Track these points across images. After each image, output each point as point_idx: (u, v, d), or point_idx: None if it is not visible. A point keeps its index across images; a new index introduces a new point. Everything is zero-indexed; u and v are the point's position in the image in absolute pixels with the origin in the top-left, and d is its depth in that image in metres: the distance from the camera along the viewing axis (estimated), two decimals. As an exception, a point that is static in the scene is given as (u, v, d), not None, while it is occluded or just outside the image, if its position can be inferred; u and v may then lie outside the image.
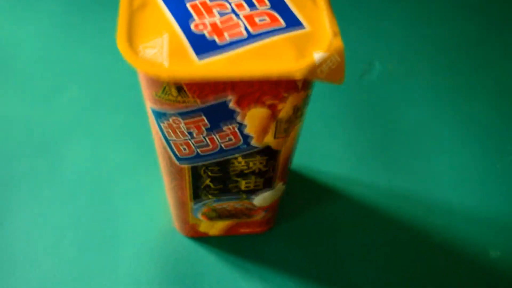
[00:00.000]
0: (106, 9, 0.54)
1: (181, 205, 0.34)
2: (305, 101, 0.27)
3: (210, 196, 0.33)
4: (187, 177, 0.31)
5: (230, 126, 0.27)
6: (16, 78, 0.46)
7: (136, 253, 0.36)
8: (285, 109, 0.26)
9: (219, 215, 0.35)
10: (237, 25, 0.25)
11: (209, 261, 0.36)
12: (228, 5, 0.26)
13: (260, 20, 0.26)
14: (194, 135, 0.27)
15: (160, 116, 0.26)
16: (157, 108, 0.26)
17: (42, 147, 0.42)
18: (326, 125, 0.45)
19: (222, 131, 0.27)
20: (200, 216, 0.35)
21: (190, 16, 0.26)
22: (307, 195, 0.40)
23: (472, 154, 0.43)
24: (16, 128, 0.43)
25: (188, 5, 0.26)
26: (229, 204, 0.34)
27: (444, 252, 0.38)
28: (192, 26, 0.25)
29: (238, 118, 0.26)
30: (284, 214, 0.39)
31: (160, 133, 0.28)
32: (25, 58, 0.48)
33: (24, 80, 0.46)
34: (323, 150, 0.43)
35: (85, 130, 0.43)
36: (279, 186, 0.33)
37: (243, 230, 0.38)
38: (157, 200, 0.39)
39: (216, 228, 0.37)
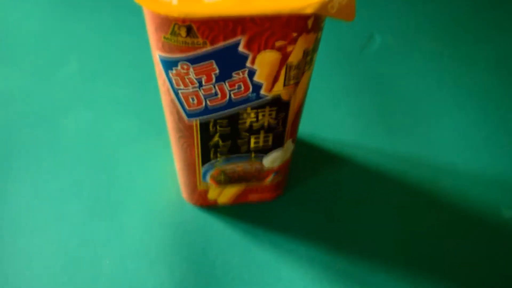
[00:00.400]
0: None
1: (190, 167, 0.33)
2: (315, 44, 0.27)
3: (219, 156, 0.32)
4: (195, 132, 0.30)
5: (240, 72, 0.26)
6: (15, 53, 0.46)
7: (143, 220, 0.36)
8: (295, 52, 0.26)
9: (229, 179, 0.34)
10: (246, -35, 0.25)
11: (218, 228, 0.36)
12: None
13: (268, -40, 0.25)
14: (203, 83, 0.27)
15: (168, 63, 0.26)
16: (166, 54, 0.26)
17: (43, 118, 0.41)
18: (329, 95, 0.44)
19: (232, 78, 0.27)
20: (209, 179, 0.34)
21: (197, -42, 0.25)
22: (314, 163, 0.40)
23: (475, 119, 0.43)
24: (16, 100, 0.42)
25: (194, -51, 0.26)
26: (238, 165, 0.33)
27: (455, 213, 0.37)
28: (200, -33, 0.25)
29: (248, 63, 0.26)
30: (292, 182, 0.39)
31: (168, 83, 0.27)
32: (24, 34, 0.47)
33: (23, 55, 0.46)
34: (327, 119, 0.42)
35: (85, 101, 0.42)
36: (288, 144, 0.33)
37: (252, 197, 0.37)
38: (163, 169, 0.39)
39: (225, 195, 0.36)
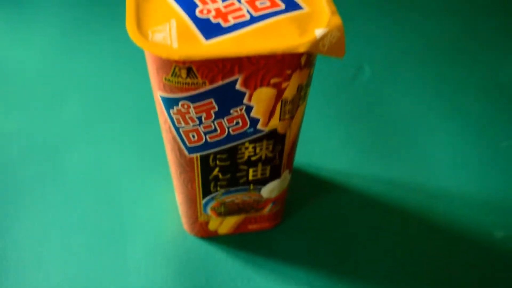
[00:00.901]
0: (97, 30, 0.55)
1: (191, 201, 0.34)
2: (308, 80, 0.28)
3: (219, 189, 0.33)
4: (196, 167, 0.31)
5: (238, 109, 0.28)
6: (18, 93, 0.47)
7: (147, 253, 0.37)
8: (289, 88, 0.27)
9: (228, 210, 0.35)
10: (240, 9, 0.26)
11: (220, 258, 0.37)
12: (229, -7, 0.27)
13: (261, 4, 0.27)
14: (203, 120, 0.28)
15: (169, 103, 0.27)
16: (167, 94, 0.27)
17: (47, 154, 0.42)
18: (323, 125, 0.46)
19: (230, 114, 0.28)
20: (209, 211, 0.35)
21: (194, 3, 0.27)
22: (310, 191, 0.41)
23: (466, 143, 0.45)
24: (21, 138, 0.43)
25: (191, -5, 0.27)
26: (238, 197, 0.34)
27: (448, 236, 0.38)
28: (197, 12, 0.26)
29: (245, 100, 0.27)
30: (290, 210, 0.40)
31: (169, 121, 0.29)
32: (26, 75, 0.49)
33: (26, 95, 0.47)
34: (322, 148, 0.44)
35: (88, 138, 0.44)
36: (285, 175, 0.34)
37: (251, 227, 0.38)
38: (164, 201, 0.40)
39: (225, 225, 0.37)
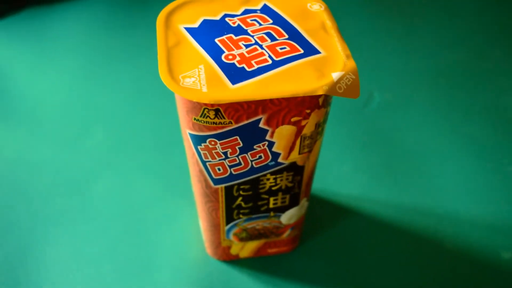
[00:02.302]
0: (119, 62, 0.58)
1: (215, 227, 0.37)
2: (325, 117, 0.30)
3: (241, 216, 0.35)
4: (220, 197, 0.34)
5: (261, 145, 0.30)
6: (44, 126, 0.50)
7: (172, 279, 0.39)
8: (308, 125, 0.30)
9: (250, 235, 0.38)
10: (262, 54, 0.29)
11: (242, 281, 0.39)
12: (252, 39, 0.30)
13: (281, 49, 0.29)
14: (229, 155, 0.30)
15: (197, 140, 0.30)
16: (195, 132, 0.29)
17: (74, 186, 0.45)
18: (336, 152, 0.48)
19: (254, 150, 0.30)
20: (232, 237, 0.37)
21: (220, 49, 0.29)
22: (325, 216, 0.43)
23: (473, 168, 0.47)
24: (48, 171, 0.46)
25: (216, 41, 0.30)
26: (258, 223, 0.37)
27: (458, 258, 0.40)
28: (223, 57, 0.29)
29: (268, 137, 0.30)
30: (307, 234, 0.42)
31: (197, 156, 0.31)
32: (50, 106, 0.51)
33: (51, 127, 0.49)
34: (335, 174, 0.46)
35: (112, 168, 0.46)
36: (303, 202, 0.36)
37: (271, 250, 0.40)
38: (188, 227, 0.42)
39: (246, 249, 0.39)
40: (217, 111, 0.28)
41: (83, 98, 0.53)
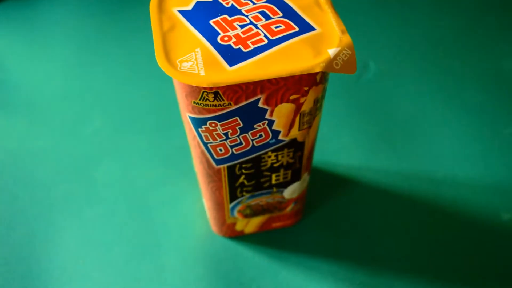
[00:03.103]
0: (112, 47, 0.58)
1: (219, 206, 0.37)
2: (323, 93, 0.31)
3: (244, 193, 0.36)
4: (223, 177, 0.34)
5: (261, 124, 0.30)
6: (42, 114, 0.50)
7: (180, 257, 0.39)
8: (307, 102, 0.30)
9: (254, 212, 0.38)
10: (258, 33, 0.29)
11: (248, 256, 0.40)
12: (246, 18, 0.30)
13: (277, 27, 0.29)
14: (229, 135, 0.31)
15: (198, 122, 0.30)
16: (195, 115, 0.29)
17: (76, 173, 0.45)
18: (333, 124, 0.48)
19: (254, 129, 0.31)
20: (236, 214, 0.38)
21: (215, 31, 0.29)
22: (327, 187, 0.44)
23: (470, 133, 0.47)
24: (49, 159, 0.46)
25: (211, 22, 0.30)
26: (262, 199, 0.37)
27: (458, 221, 0.41)
28: (219, 39, 0.29)
29: (267, 116, 0.30)
30: (310, 206, 0.43)
31: (198, 138, 0.31)
32: (48, 95, 0.51)
33: (50, 115, 0.50)
34: (334, 146, 0.46)
35: (113, 153, 0.46)
36: (305, 176, 0.37)
37: (275, 225, 0.41)
38: (192, 206, 0.42)
39: (251, 225, 0.40)
40: (216, 94, 0.28)
41: (79, 84, 0.53)
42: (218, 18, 0.30)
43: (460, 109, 0.49)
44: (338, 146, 0.46)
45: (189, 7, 0.31)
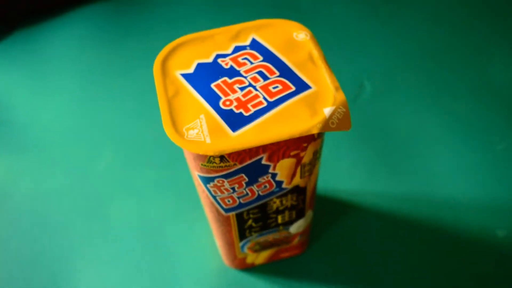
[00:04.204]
0: (116, 77, 0.60)
1: (229, 245, 0.39)
2: (321, 146, 0.33)
3: (253, 233, 0.38)
4: (232, 222, 0.36)
5: (265, 177, 0.32)
6: (53, 153, 0.52)
7: (196, 291, 0.42)
8: (306, 155, 0.32)
9: (263, 247, 0.41)
10: (257, 96, 0.31)
11: (260, 286, 0.42)
12: (245, 80, 0.32)
13: (274, 88, 0.31)
14: (236, 189, 0.33)
15: (206, 180, 0.32)
16: (203, 174, 0.32)
17: (91, 211, 0.47)
18: (332, 149, 0.50)
19: (259, 182, 0.33)
20: (246, 250, 0.40)
21: (217, 95, 0.31)
22: (329, 213, 0.46)
23: (464, 150, 0.49)
24: (64, 199, 0.48)
25: (213, 86, 0.32)
26: (269, 236, 0.39)
27: (456, 241, 0.43)
28: (221, 104, 0.31)
29: (270, 170, 0.32)
30: (315, 233, 0.45)
31: (206, 191, 0.33)
32: (57, 134, 0.54)
33: (61, 154, 0.52)
34: (334, 171, 0.48)
35: (125, 189, 0.49)
36: (309, 213, 0.39)
37: (283, 255, 0.43)
38: (204, 240, 0.45)
39: (260, 257, 0.42)
40: (222, 157, 0.30)
41: (87, 119, 0.55)
42: (219, 81, 0.32)
43: (454, 123, 0.51)
44: (337, 171, 0.48)
45: (191, 70, 0.33)
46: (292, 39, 0.34)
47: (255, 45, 0.34)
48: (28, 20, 0.69)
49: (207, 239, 0.45)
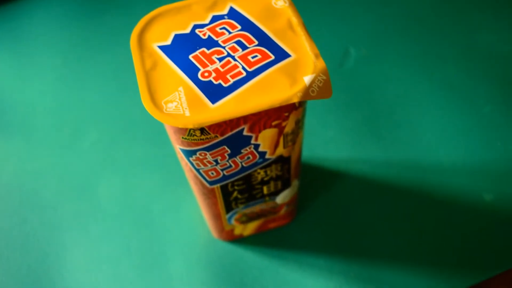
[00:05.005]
0: (98, 54, 0.59)
1: (216, 217, 0.39)
2: (303, 113, 0.32)
3: (239, 205, 0.38)
4: (218, 194, 0.36)
5: (247, 148, 0.32)
6: (38, 132, 0.51)
7: (185, 265, 0.42)
8: (288, 125, 0.32)
9: (249, 218, 0.40)
10: (236, 66, 0.30)
11: (249, 258, 0.42)
12: (223, 50, 0.31)
13: (253, 57, 0.31)
14: (219, 161, 0.32)
15: (188, 153, 0.32)
16: (185, 147, 0.31)
17: (79, 190, 0.47)
18: (318, 117, 0.50)
19: (241, 153, 0.32)
20: (233, 222, 0.40)
21: (195, 67, 0.31)
22: (317, 182, 0.46)
23: (450, 114, 0.49)
24: (52, 177, 0.48)
25: (191, 57, 0.31)
26: (256, 207, 0.39)
27: (444, 205, 0.43)
28: (200, 75, 0.30)
29: (253, 141, 0.32)
30: (302, 203, 0.45)
31: (190, 165, 0.33)
32: (41, 112, 0.53)
33: (46, 133, 0.51)
34: (320, 140, 0.48)
35: (111, 167, 0.48)
36: (295, 183, 0.39)
37: (271, 225, 0.43)
38: (192, 214, 0.45)
39: (248, 228, 0.42)
40: (202, 130, 0.30)
41: (71, 96, 0.54)
42: (197, 52, 0.31)
43: (441, 88, 0.51)
44: (325, 139, 0.48)
45: (168, 42, 0.32)
46: (271, 7, 0.34)
47: (233, 14, 0.33)
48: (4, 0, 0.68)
49: (195, 213, 0.45)
